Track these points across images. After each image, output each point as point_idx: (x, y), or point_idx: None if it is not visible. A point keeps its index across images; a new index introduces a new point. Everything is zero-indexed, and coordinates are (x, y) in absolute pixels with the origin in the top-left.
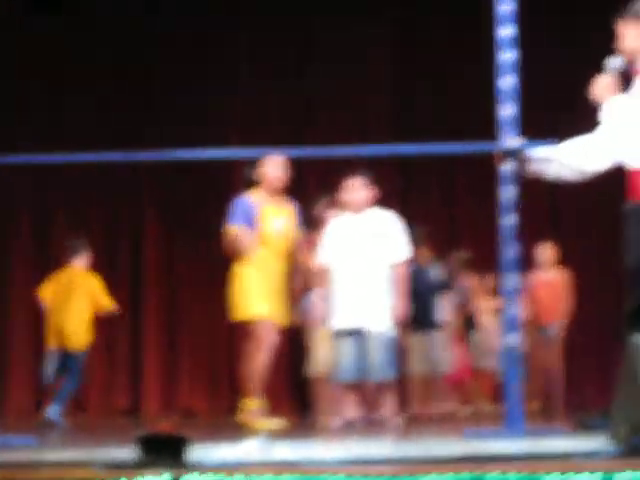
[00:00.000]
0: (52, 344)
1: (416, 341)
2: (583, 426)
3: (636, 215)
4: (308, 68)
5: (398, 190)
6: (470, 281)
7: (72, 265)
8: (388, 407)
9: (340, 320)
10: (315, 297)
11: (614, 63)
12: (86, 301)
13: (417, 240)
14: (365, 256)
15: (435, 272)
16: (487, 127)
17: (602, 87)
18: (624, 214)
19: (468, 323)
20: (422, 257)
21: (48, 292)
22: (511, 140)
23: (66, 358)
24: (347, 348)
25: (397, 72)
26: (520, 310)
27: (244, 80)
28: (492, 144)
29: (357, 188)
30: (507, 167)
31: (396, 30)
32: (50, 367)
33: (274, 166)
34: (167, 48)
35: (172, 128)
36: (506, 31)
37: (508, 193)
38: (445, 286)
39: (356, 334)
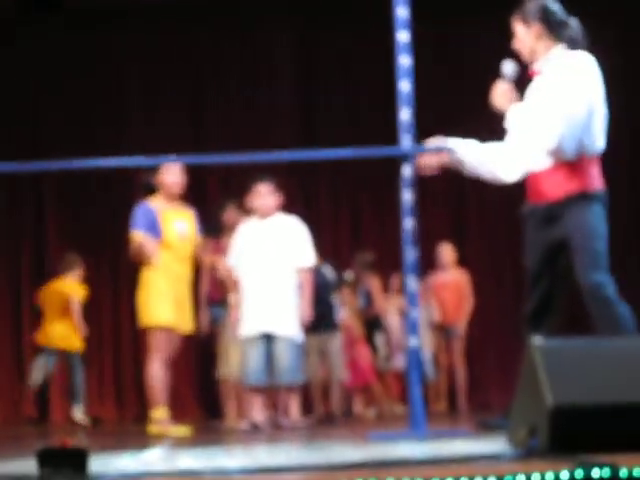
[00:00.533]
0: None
1: (314, 343)
2: (485, 427)
3: (532, 217)
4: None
5: (303, 193)
6: (373, 282)
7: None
8: (294, 411)
9: (248, 325)
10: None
11: (507, 67)
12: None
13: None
14: (272, 261)
15: (328, 271)
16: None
17: (501, 95)
18: (522, 216)
19: (372, 324)
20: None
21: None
22: (409, 144)
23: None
24: (255, 352)
25: (301, 75)
26: (420, 312)
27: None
28: (393, 148)
29: (265, 194)
30: (406, 171)
31: (300, 33)
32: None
33: (172, 173)
34: None
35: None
36: (402, 36)
37: (408, 196)
38: (338, 285)
39: (264, 338)
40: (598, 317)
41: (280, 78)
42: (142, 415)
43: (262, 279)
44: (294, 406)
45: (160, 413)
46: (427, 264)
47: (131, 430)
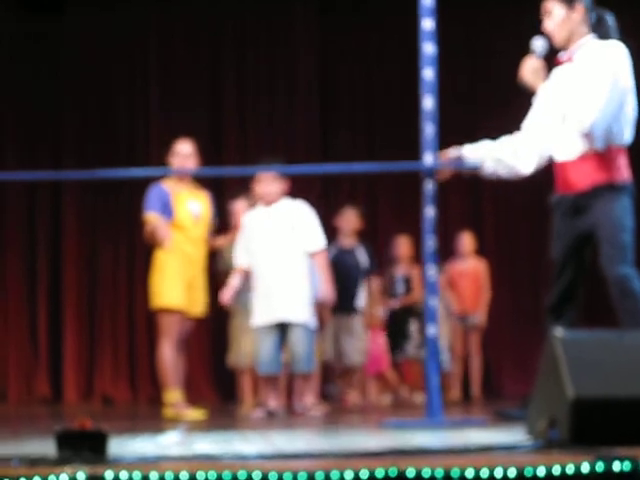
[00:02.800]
0: None
1: (334, 325)
2: (502, 417)
3: (559, 207)
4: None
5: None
6: (415, 270)
7: None
8: (309, 398)
9: (261, 314)
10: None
11: (538, 44)
12: None
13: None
14: (280, 248)
15: (361, 255)
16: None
17: (531, 71)
18: (550, 206)
19: (408, 312)
20: (347, 240)
21: None
22: (432, 158)
23: None
24: (268, 341)
25: (322, 88)
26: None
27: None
28: (415, 163)
29: (268, 181)
30: (428, 186)
31: (321, 45)
32: None
33: (184, 155)
34: None
35: None
36: (428, 46)
37: (430, 212)
38: (370, 271)
39: (278, 327)
40: (623, 310)
41: (299, 92)
42: (156, 397)
43: (272, 267)
44: (309, 393)
45: (172, 396)
46: (446, 253)
47: (145, 412)
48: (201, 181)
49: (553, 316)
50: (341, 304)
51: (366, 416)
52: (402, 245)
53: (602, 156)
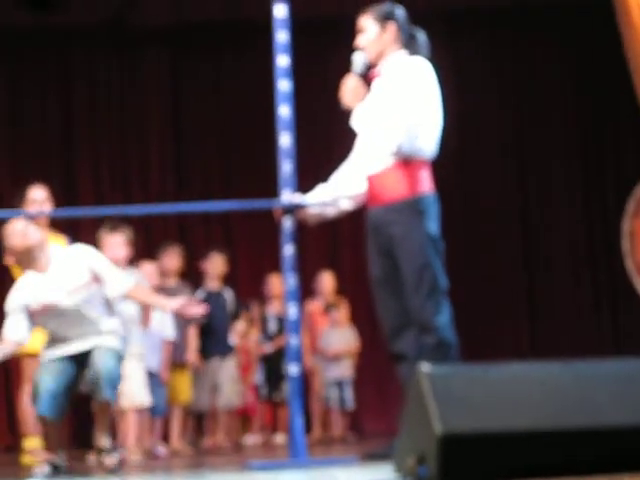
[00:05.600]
0: None
1: (208, 369)
2: (369, 457)
3: (368, 222)
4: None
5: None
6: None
7: None
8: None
9: None
10: None
11: (358, 59)
12: None
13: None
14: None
15: (230, 297)
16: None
17: (351, 90)
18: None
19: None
20: (214, 283)
21: None
22: (290, 196)
23: None
24: None
25: (177, 122)
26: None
27: None
28: (272, 201)
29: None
30: (287, 223)
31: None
32: None
33: (39, 201)
34: None
35: None
36: (283, 84)
37: (289, 250)
38: (238, 313)
39: None
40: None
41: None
42: (13, 445)
43: None
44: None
45: (32, 442)
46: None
47: (2, 460)
48: (57, 225)
49: (394, 341)
50: (215, 347)
51: (230, 458)
52: (274, 283)
53: (405, 170)
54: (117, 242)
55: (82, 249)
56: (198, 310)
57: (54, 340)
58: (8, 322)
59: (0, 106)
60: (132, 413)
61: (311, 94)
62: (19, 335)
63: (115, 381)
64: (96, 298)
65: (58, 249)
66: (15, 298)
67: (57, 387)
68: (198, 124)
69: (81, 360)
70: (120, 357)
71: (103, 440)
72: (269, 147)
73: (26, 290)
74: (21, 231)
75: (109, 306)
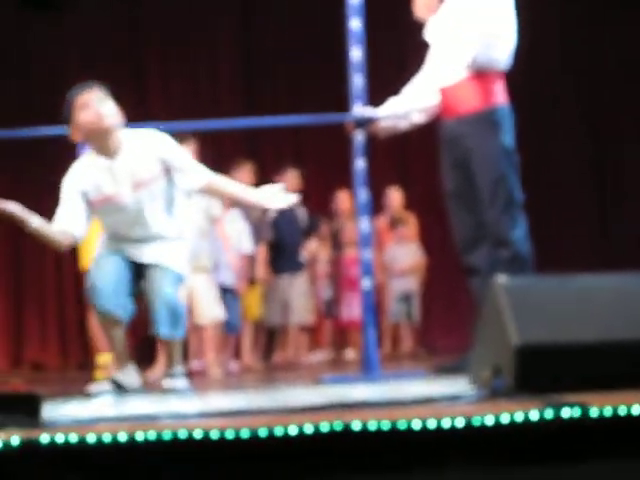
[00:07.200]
0: None
1: (279, 286)
2: (442, 371)
3: (442, 135)
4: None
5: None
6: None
7: None
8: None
9: None
10: None
11: None
12: None
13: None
14: None
15: (302, 213)
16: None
17: (425, 3)
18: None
19: None
20: None
21: None
22: (362, 109)
23: None
24: None
25: (246, 41)
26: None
27: None
28: (344, 114)
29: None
30: (359, 137)
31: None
32: None
33: None
34: None
35: None
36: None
37: (360, 163)
38: (311, 229)
39: None
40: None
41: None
42: (86, 362)
43: None
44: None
45: (104, 358)
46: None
47: (76, 377)
48: None
49: (468, 254)
50: (286, 263)
51: (301, 373)
52: (342, 199)
53: (479, 81)
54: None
55: (156, 136)
56: (284, 200)
57: (112, 238)
58: (62, 208)
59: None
60: (209, 329)
61: (381, 5)
62: (74, 226)
63: (174, 315)
64: (163, 198)
65: (131, 133)
66: (74, 182)
67: (117, 282)
68: (267, 41)
69: (139, 269)
70: (180, 279)
71: (170, 368)
72: (338, 61)
73: (87, 175)
74: (95, 108)
75: (175, 213)
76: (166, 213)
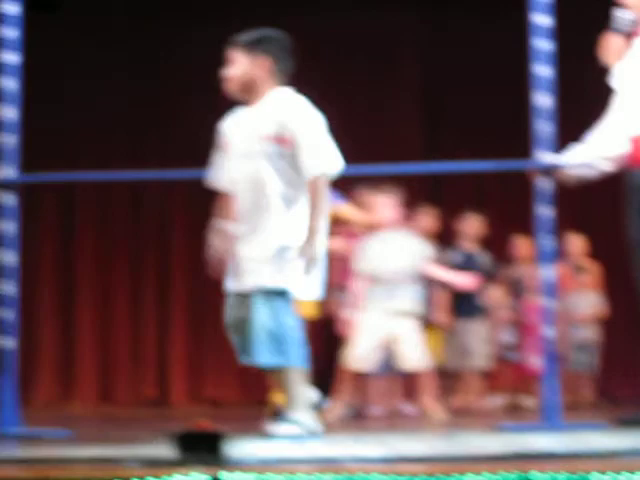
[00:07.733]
0: None
1: (457, 330)
2: (622, 422)
3: (632, 182)
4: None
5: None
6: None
7: None
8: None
9: None
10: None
11: (623, 19)
12: None
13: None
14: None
15: (484, 259)
16: (519, 143)
17: (613, 49)
18: (629, 183)
19: None
20: (469, 244)
21: None
22: (546, 156)
23: None
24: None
25: (428, 83)
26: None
27: None
28: (529, 162)
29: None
30: (544, 184)
31: (426, 36)
32: None
33: None
34: None
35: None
36: (542, 43)
37: (544, 210)
38: (492, 274)
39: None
40: None
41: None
42: (264, 399)
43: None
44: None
45: (281, 397)
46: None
47: (256, 414)
48: None
49: None
50: (465, 308)
51: (478, 418)
52: (520, 246)
53: None
54: (386, 203)
55: (294, 98)
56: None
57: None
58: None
59: None
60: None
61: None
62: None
63: (272, 340)
64: (287, 172)
65: (281, 92)
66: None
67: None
68: (448, 77)
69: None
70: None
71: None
72: (516, 106)
73: (230, 122)
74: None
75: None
76: (288, 200)
